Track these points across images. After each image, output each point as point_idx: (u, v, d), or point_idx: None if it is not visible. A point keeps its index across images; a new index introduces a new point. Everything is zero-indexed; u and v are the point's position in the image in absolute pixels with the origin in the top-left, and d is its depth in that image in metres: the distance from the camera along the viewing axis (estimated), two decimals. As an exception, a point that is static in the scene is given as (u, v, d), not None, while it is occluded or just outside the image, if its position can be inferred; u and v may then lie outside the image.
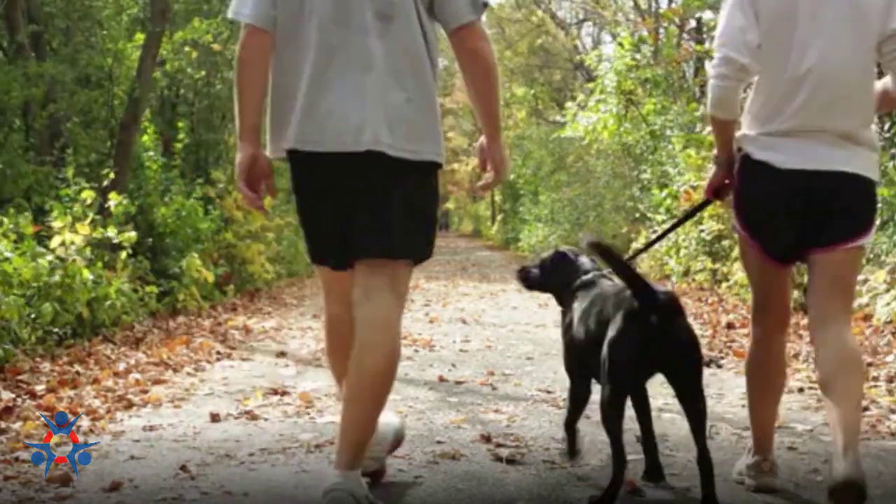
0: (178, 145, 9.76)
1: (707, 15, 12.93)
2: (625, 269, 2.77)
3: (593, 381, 3.04)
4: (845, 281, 2.85)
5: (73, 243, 6.40)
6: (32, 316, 5.58)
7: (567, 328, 3.14)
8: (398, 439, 3.19)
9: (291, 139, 2.72)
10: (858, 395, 2.77)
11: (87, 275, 6.17)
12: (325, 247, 2.83)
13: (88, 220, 6.77)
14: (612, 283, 3.05)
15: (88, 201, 6.91)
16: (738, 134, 2.94)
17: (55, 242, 6.32)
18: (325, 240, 2.81)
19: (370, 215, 2.69)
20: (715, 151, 3.06)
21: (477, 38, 2.72)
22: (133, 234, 7.23)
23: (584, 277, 3.15)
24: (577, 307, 3.08)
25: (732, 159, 2.95)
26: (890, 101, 2.96)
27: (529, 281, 3.34)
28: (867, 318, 6.53)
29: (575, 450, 3.28)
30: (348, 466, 2.65)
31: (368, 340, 2.67)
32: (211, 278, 8.72)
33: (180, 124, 10.12)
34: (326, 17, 2.67)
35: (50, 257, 6.02)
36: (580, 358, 3.07)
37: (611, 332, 2.77)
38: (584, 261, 3.24)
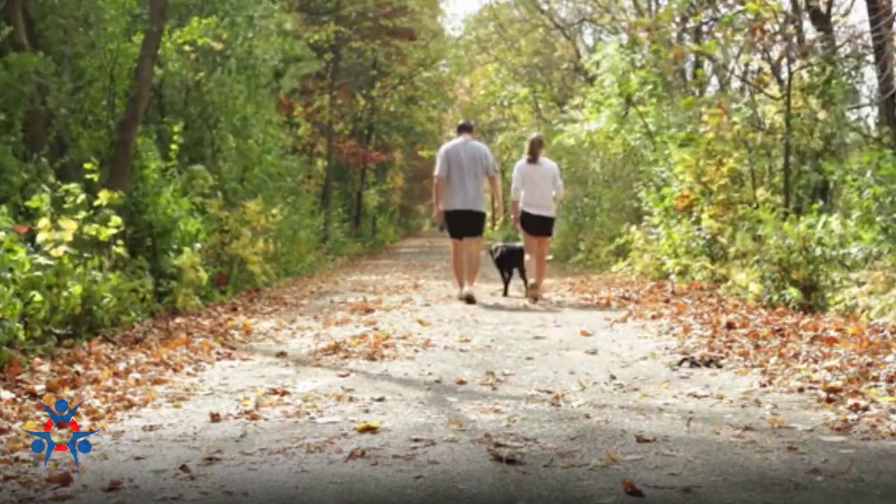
0: (174, 146, 9.71)
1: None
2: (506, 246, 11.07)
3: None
4: (542, 247, 10.49)
5: (61, 240, 6.31)
6: (28, 312, 5.55)
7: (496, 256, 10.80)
8: (471, 298, 9.71)
9: (451, 206, 10.01)
10: (542, 272, 10.46)
11: (78, 269, 6.12)
12: (460, 232, 10.04)
13: (80, 216, 6.71)
14: (503, 244, 11.18)
15: (80, 199, 6.86)
16: (519, 204, 10.32)
17: (40, 237, 6.24)
18: (460, 231, 10.04)
19: (472, 225, 10.15)
20: (512, 213, 10.60)
21: (496, 180, 10.36)
22: (111, 230, 7.04)
23: (498, 245, 11.15)
24: (495, 249, 10.96)
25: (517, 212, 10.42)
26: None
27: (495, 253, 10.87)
28: (867, 318, 6.52)
29: (506, 291, 10.69)
30: (471, 283, 10.12)
31: (471, 254, 10.13)
32: (205, 279, 8.71)
33: (175, 128, 10.03)
34: (464, 173, 10.01)
35: (40, 259, 5.97)
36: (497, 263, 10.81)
37: (496, 255, 10.80)
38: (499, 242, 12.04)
